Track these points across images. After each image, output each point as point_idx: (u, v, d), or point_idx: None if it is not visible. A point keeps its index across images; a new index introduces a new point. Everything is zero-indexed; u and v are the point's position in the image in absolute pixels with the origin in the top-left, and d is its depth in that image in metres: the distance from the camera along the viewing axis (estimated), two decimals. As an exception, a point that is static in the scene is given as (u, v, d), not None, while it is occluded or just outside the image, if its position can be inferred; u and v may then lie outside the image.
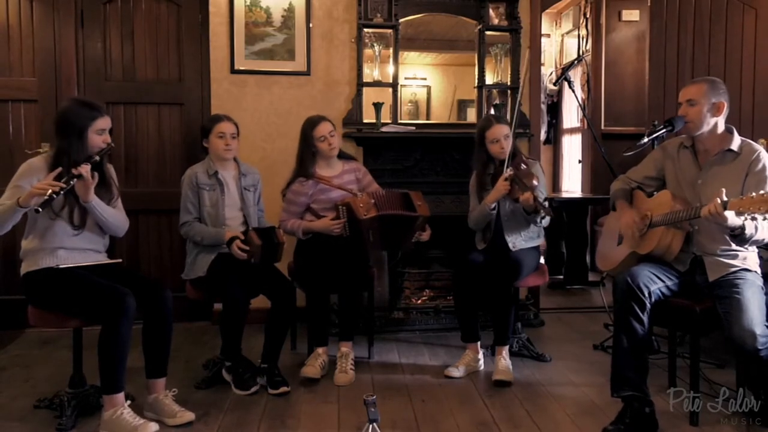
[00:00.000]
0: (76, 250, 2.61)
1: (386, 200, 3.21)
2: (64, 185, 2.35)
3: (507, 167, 3.11)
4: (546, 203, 2.91)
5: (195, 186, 3.04)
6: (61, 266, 2.55)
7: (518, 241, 3.22)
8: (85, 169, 2.44)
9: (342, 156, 3.43)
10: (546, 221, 3.17)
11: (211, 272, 2.95)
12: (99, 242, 2.71)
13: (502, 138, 3.17)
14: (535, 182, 3.02)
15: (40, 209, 2.32)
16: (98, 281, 2.52)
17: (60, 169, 2.42)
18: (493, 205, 3.14)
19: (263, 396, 2.79)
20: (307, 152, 3.29)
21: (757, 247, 2.61)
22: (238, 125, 3.15)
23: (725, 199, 2.21)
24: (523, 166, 3.13)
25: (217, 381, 3.00)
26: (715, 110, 2.55)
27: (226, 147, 3.06)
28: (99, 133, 2.57)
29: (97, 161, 2.55)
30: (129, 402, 2.51)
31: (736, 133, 2.59)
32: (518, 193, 2.99)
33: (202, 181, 3.05)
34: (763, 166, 2.49)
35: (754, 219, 2.23)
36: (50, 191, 2.30)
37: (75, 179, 2.42)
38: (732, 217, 2.22)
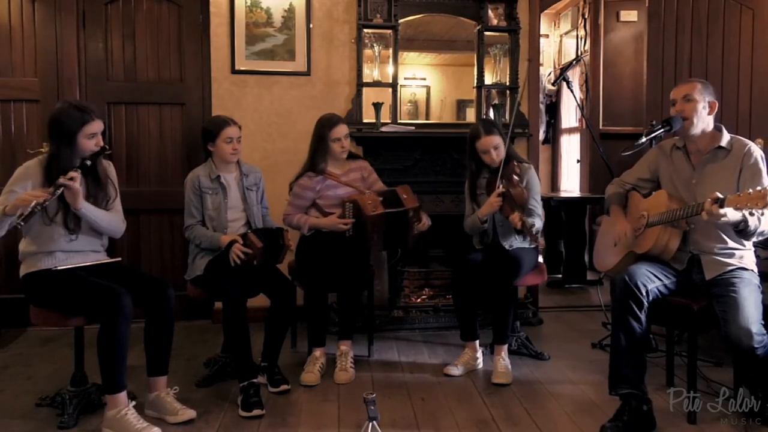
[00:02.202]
0: (74, 252, 2.62)
1: (385, 198, 3.21)
2: (48, 196, 2.35)
3: (500, 179, 3.10)
4: (534, 230, 2.84)
5: (198, 190, 3.04)
6: (59, 267, 2.56)
7: (515, 242, 3.23)
8: (72, 176, 2.43)
9: (348, 155, 3.41)
10: (534, 245, 3.08)
11: (208, 271, 2.96)
12: (97, 243, 2.72)
13: (491, 149, 3.14)
14: (525, 196, 3.03)
15: (22, 223, 2.31)
16: (95, 281, 2.53)
17: (51, 189, 2.41)
18: (485, 218, 3.15)
19: (264, 394, 2.79)
20: (321, 150, 3.28)
21: (755, 246, 2.63)
22: (240, 127, 3.15)
23: (721, 196, 2.22)
24: (516, 178, 3.11)
25: (218, 379, 3.03)
26: (710, 109, 2.59)
27: (233, 151, 3.05)
28: (90, 137, 2.56)
29: (88, 165, 2.54)
30: (133, 403, 2.52)
31: (725, 131, 2.62)
32: (507, 212, 3.00)
33: (205, 184, 3.05)
34: (756, 160, 2.52)
35: (752, 214, 2.25)
36: (34, 203, 2.30)
37: (62, 188, 2.41)
38: (731, 213, 2.23)
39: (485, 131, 3.16)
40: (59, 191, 2.41)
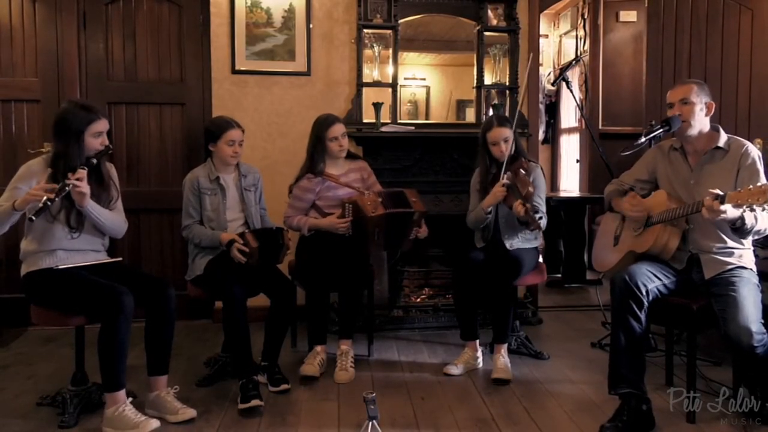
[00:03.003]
0: (75, 251, 2.63)
1: (388, 199, 3.23)
2: (58, 192, 2.35)
3: (505, 172, 3.12)
4: (538, 215, 2.87)
5: (196, 191, 3.05)
6: (60, 267, 2.57)
7: (515, 242, 3.24)
8: (80, 175, 2.44)
9: (348, 155, 3.43)
10: (536, 233, 3.16)
11: (208, 271, 2.97)
12: (98, 242, 2.73)
13: (501, 141, 3.17)
14: (531, 189, 3.03)
15: (34, 218, 2.32)
16: (96, 281, 2.54)
17: (57, 184, 2.42)
18: (489, 209, 3.16)
19: (264, 393, 2.80)
20: (319, 150, 3.29)
21: (754, 245, 2.64)
22: (244, 130, 3.14)
23: (721, 193, 2.23)
24: (522, 172, 3.12)
25: (218, 378, 3.03)
26: (707, 110, 2.60)
27: (234, 154, 3.05)
28: (96, 137, 2.58)
29: (94, 164, 2.56)
30: (131, 399, 2.53)
31: (722, 131, 2.63)
32: (511, 202, 3.01)
33: (204, 185, 3.05)
34: (753, 160, 2.52)
35: (752, 210, 2.25)
36: (45, 198, 2.31)
37: (70, 185, 2.41)
38: (731, 210, 2.24)
39: (498, 123, 3.21)
40: (67, 189, 2.41)
